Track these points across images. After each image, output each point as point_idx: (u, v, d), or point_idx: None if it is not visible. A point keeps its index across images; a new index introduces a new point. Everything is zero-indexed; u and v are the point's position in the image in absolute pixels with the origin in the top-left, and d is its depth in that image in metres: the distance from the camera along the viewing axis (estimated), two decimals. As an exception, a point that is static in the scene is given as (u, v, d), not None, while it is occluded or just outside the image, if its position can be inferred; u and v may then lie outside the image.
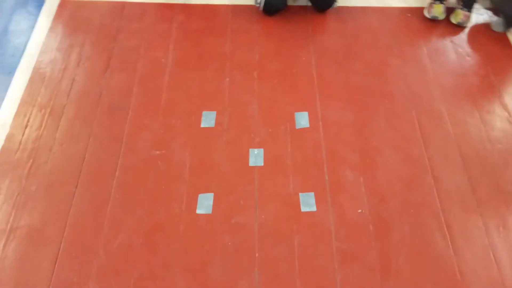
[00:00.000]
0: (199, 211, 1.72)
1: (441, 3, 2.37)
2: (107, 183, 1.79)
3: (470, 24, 2.40)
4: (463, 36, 2.36)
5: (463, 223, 1.72)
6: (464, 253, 1.65)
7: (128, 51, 2.23)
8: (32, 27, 2.32)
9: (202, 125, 1.97)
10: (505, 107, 2.07)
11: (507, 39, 2.36)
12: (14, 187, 1.76)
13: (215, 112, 2.01)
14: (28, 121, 1.96)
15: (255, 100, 2.06)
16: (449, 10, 2.44)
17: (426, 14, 2.41)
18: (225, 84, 2.12)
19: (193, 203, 1.74)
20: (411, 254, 1.64)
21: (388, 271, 1.60)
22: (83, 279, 1.55)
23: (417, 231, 1.70)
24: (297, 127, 1.98)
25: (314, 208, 1.74)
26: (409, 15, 2.46)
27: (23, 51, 2.22)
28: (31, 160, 1.84)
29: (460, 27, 2.38)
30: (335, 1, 2.39)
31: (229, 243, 1.65)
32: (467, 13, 2.36)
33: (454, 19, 2.38)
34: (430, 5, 2.40)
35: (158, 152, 1.88)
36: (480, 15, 2.47)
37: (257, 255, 1.63)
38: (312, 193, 1.78)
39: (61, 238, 1.64)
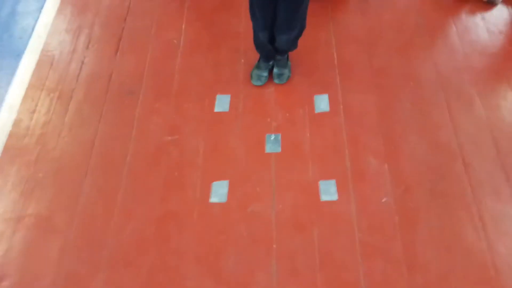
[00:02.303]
0: (213, 199, 1.64)
1: None
2: (118, 169, 1.71)
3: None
4: (495, 12, 2.19)
5: (497, 214, 1.60)
6: (498, 246, 1.52)
7: (138, 32, 2.14)
8: (40, 8, 2.24)
9: (216, 110, 1.87)
10: (542, 90, 1.92)
11: (544, 16, 2.19)
12: (22, 174, 1.70)
13: (229, 96, 1.90)
14: (36, 105, 1.90)
15: (272, 83, 1.95)
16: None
17: None
18: (240, 66, 2.01)
19: (207, 191, 1.66)
20: (440, 248, 1.53)
21: (414, 265, 1.49)
22: (92, 270, 1.49)
23: (446, 223, 1.58)
24: (316, 111, 1.86)
25: (335, 197, 1.64)
26: (436, -9, 2.30)
27: (31, 33, 2.14)
28: (39, 146, 1.78)
29: (491, 4, 2.21)
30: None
31: (245, 233, 1.56)
32: None
33: None
34: None
35: (170, 137, 1.80)
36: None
37: (274, 246, 1.53)
38: (333, 181, 1.67)
39: (69, 227, 1.58)
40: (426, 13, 2.20)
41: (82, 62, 2.03)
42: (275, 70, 1.96)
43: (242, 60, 2.02)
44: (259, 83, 1.93)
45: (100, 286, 1.46)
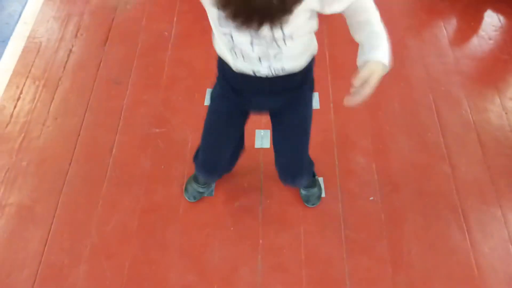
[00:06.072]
0: (200, 193, 1.62)
1: None
2: (103, 160, 1.68)
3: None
4: (486, 18, 2.22)
5: (481, 215, 1.61)
6: (481, 246, 1.54)
7: (129, 23, 2.11)
8: (28, -6, 2.20)
9: (205, 103, 1.85)
10: (528, 95, 1.95)
11: (531, 24, 2.22)
12: (4, 162, 1.66)
13: (219, 90, 1.88)
14: (20, 93, 1.85)
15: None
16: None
17: None
18: (231, 61, 1.99)
19: (194, 185, 1.63)
20: (425, 247, 1.53)
21: (399, 263, 1.50)
22: (74, 261, 1.45)
23: (432, 222, 1.59)
24: (307, 108, 1.85)
25: (322, 194, 1.63)
26: (428, -6, 2.32)
27: (17, 19, 2.09)
28: (22, 134, 1.74)
29: None
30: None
31: (231, 228, 1.55)
32: None
33: None
34: None
35: (157, 130, 1.77)
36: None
37: (260, 241, 1.52)
38: (321, 178, 1.66)
39: (52, 217, 1.54)
40: (418, 16, 2.22)
41: (70, 51, 1.99)
42: (301, 191, 1.60)
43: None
44: (192, 199, 1.57)
45: (81, 277, 1.43)
